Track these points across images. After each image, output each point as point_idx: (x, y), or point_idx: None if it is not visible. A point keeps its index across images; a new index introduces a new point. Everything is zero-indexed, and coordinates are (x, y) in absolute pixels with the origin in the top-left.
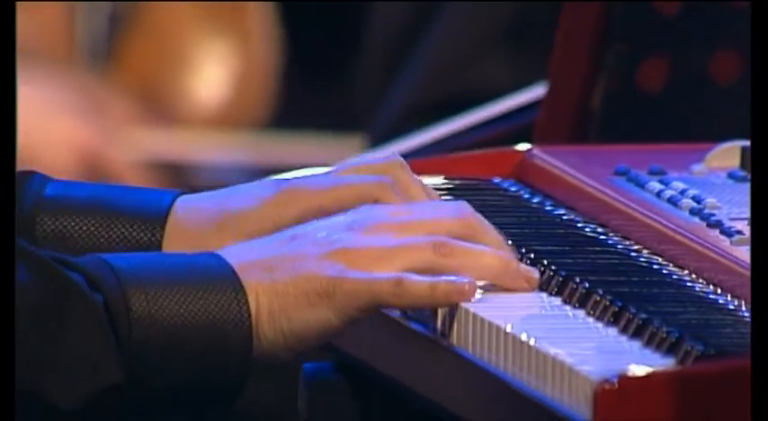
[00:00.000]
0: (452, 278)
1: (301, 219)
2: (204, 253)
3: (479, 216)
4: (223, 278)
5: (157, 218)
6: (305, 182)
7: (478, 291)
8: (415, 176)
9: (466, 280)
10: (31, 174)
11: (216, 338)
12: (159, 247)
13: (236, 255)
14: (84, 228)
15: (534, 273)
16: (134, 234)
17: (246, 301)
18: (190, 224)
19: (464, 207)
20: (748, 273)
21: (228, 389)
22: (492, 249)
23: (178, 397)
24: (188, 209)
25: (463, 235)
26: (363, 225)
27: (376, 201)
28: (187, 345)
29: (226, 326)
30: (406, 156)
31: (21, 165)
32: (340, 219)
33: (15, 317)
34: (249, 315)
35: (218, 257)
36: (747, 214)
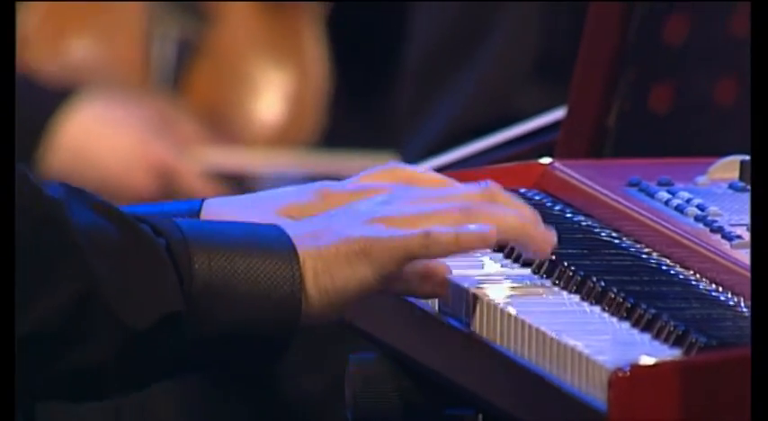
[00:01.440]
0: (474, 227)
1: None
2: (264, 223)
3: (504, 191)
4: (279, 243)
5: (192, 214)
6: (337, 185)
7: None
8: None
9: (487, 227)
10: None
11: (270, 292)
12: None
13: (290, 226)
14: None
15: (552, 235)
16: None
17: (298, 263)
18: (228, 210)
19: (488, 183)
20: (747, 273)
21: (278, 342)
22: (514, 211)
23: (231, 342)
24: (222, 201)
25: (488, 202)
26: (398, 199)
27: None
28: (243, 296)
29: (280, 283)
30: (441, 170)
31: (101, 181)
32: (378, 198)
33: (92, 253)
34: (301, 274)
35: (276, 227)
36: (746, 220)
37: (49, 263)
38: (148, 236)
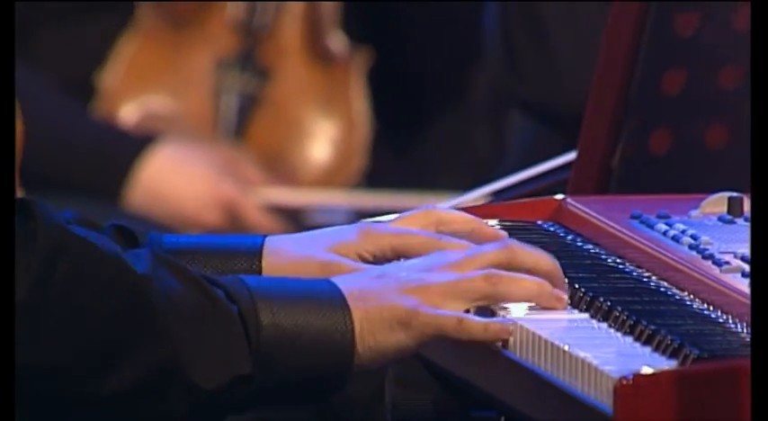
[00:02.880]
0: (501, 319)
1: (376, 253)
2: (320, 279)
3: (519, 243)
4: (334, 299)
5: (254, 252)
6: (378, 226)
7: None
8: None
9: (510, 321)
10: (147, 232)
11: (326, 344)
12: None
13: (342, 281)
14: (198, 265)
15: (564, 295)
16: (235, 265)
17: (351, 318)
18: (286, 249)
19: (509, 242)
20: (735, 295)
21: (332, 385)
22: (531, 277)
23: (292, 389)
24: (281, 240)
25: (509, 259)
26: (433, 266)
27: (436, 248)
28: (303, 348)
29: (335, 335)
30: (469, 207)
31: (176, 215)
32: (416, 262)
33: (172, 320)
34: (353, 329)
35: (331, 283)
36: (734, 248)
37: (135, 331)
38: (223, 302)
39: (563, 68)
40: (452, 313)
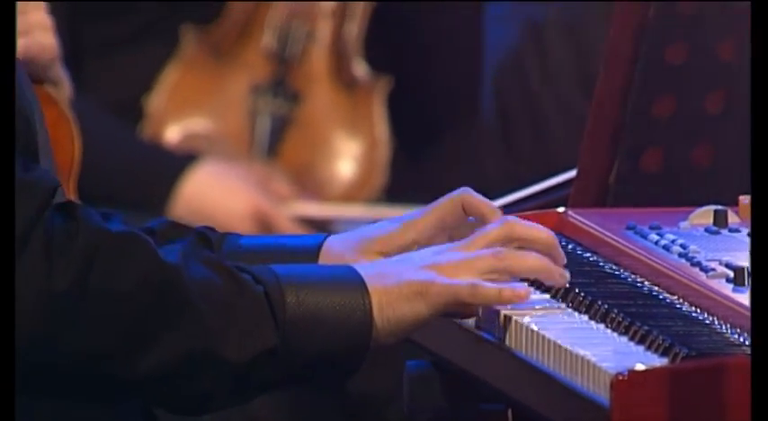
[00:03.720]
0: (514, 284)
1: (416, 240)
2: (341, 265)
3: (521, 221)
4: (353, 281)
5: (313, 250)
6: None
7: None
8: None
9: (523, 286)
10: (226, 233)
11: (346, 319)
12: None
13: (362, 268)
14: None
15: (566, 272)
16: (298, 261)
17: (369, 296)
18: (337, 249)
19: (509, 219)
20: (720, 298)
21: (354, 359)
22: (536, 254)
23: (315, 363)
24: (336, 239)
25: (508, 233)
26: (443, 250)
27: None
28: (325, 325)
29: (355, 311)
30: None
31: (214, 225)
32: (427, 248)
33: (202, 303)
34: (371, 305)
35: (351, 268)
36: (719, 256)
37: (168, 315)
38: (249, 284)
39: (560, 152)
40: (466, 281)
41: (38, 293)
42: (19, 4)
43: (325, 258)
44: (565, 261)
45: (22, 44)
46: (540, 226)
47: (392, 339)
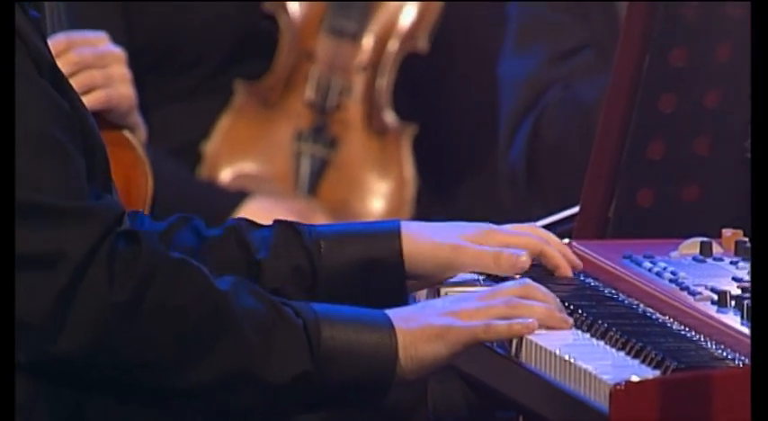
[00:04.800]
0: (521, 319)
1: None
2: (373, 309)
3: (536, 284)
4: (383, 322)
5: (394, 234)
6: (492, 226)
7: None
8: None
9: (531, 320)
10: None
11: (374, 356)
12: (399, 256)
13: (391, 312)
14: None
15: (569, 320)
16: (378, 244)
17: (395, 336)
18: (421, 238)
19: (526, 281)
20: (705, 318)
21: (379, 389)
22: (542, 303)
23: (345, 391)
24: (416, 227)
25: (524, 295)
26: (463, 298)
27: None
28: (355, 359)
29: (382, 348)
30: None
31: None
32: (450, 297)
33: (247, 328)
34: (396, 345)
35: (382, 312)
36: (705, 282)
37: (215, 335)
38: (290, 316)
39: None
40: (480, 322)
41: (99, 304)
42: (102, 57)
43: (411, 239)
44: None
45: (104, 94)
46: (551, 294)
47: (415, 376)
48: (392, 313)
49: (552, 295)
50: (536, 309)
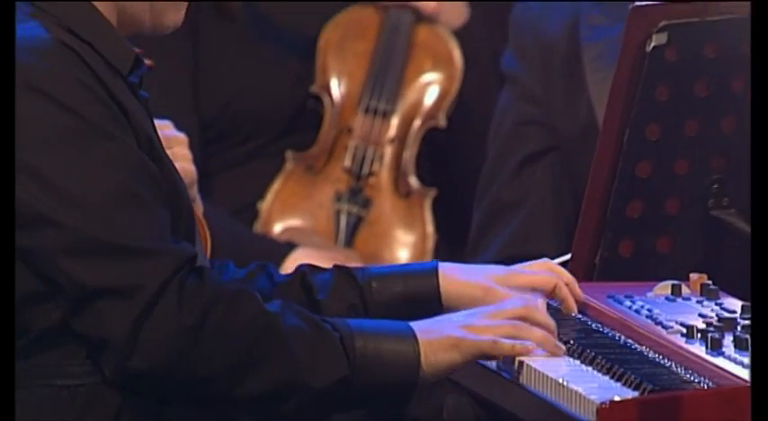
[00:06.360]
0: (522, 342)
1: (517, 286)
2: (400, 322)
3: (539, 304)
4: (407, 334)
5: (431, 273)
6: (517, 268)
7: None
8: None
9: (530, 344)
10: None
11: (400, 362)
12: (437, 291)
13: (414, 324)
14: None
15: (562, 347)
16: (418, 283)
17: (418, 346)
18: (456, 277)
19: (533, 300)
20: (676, 348)
21: (405, 392)
22: (542, 330)
23: (376, 393)
24: (451, 268)
25: (528, 315)
26: (476, 313)
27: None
28: (385, 365)
29: (407, 356)
30: None
31: None
32: (465, 311)
33: (293, 343)
34: (419, 353)
35: (407, 324)
36: (676, 318)
37: (267, 351)
38: (329, 331)
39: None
40: (489, 337)
41: (170, 328)
42: (165, 139)
43: (448, 279)
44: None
45: None
46: (548, 317)
47: (434, 379)
48: (414, 325)
49: (551, 320)
50: (536, 334)
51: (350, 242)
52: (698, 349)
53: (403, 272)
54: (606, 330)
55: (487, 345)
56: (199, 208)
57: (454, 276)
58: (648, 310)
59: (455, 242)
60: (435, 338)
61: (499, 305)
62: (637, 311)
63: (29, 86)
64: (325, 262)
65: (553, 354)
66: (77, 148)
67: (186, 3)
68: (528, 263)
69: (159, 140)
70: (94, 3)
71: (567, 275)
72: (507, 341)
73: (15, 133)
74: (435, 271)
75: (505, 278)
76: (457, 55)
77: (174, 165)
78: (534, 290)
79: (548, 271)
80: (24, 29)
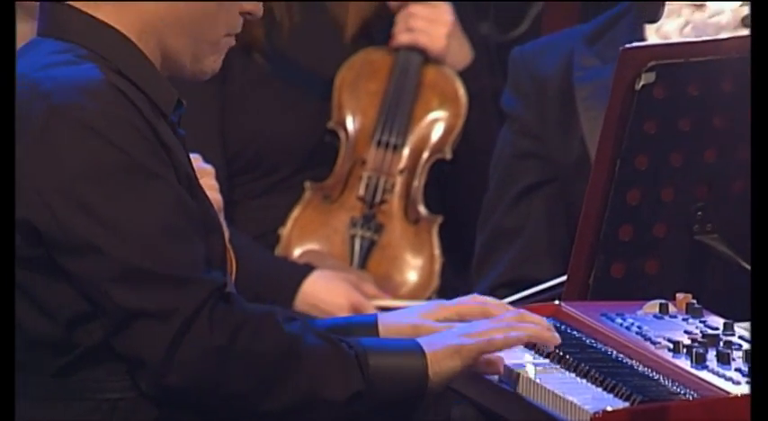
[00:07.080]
0: (515, 333)
1: (446, 318)
2: (408, 339)
3: (532, 314)
4: (415, 349)
5: (371, 324)
6: (447, 302)
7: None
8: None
9: (523, 333)
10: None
11: (410, 374)
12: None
13: (421, 339)
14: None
15: (557, 336)
16: (360, 334)
17: (426, 358)
18: (390, 320)
19: (524, 312)
20: (663, 362)
21: (415, 400)
22: (536, 325)
23: (390, 403)
24: (385, 315)
25: (523, 318)
26: (476, 325)
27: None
28: (396, 377)
29: (416, 368)
30: None
31: (325, 314)
32: (462, 324)
33: (313, 361)
34: (426, 365)
35: (414, 341)
36: (663, 334)
37: (289, 368)
38: (345, 349)
39: None
40: (484, 339)
41: (202, 347)
42: (195, 170)
43: (383, 326)
44: (559, 341)
45: None
46: (542, 319)
47: (439, 388)
48: (422, 340)
49: (544, 320)
50: (529, 328)
51: (363, 264)
52: (684, 363)
53: (347, 325)
54: (599, 345)
55: (483, 345)
56: (225, 233)
57: (390, 322)
58: (638, 327)
59: (460, 265)
60: (438, 349)
61: (496, 317)
62: (627, 328)
63: (83, 125)
64: (340, 283)
65: (549, 343)
66: (125, 184)
67: (226, 50)
68: (456, 299)
69: (196, 176)
70: (140, 46)
71: (492, 303)
72: (500, 336)
73: (67, 167)
74: (375, 323)
75: (434, 312)
76: (462, 94)
77: (209, 199)
78: (462, 318)
79: (473, 301)
80: (81, 70)
